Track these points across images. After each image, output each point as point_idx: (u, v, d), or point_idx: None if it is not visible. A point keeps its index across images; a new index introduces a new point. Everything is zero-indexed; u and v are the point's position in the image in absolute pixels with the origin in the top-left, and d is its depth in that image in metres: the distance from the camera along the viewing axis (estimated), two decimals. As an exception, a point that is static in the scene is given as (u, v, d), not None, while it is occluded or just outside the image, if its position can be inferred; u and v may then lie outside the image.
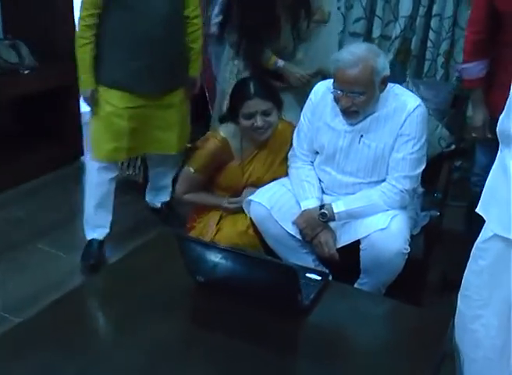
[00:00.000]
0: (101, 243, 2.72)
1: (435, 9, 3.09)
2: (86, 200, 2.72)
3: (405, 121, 2.06)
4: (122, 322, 1.66)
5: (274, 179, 2.34)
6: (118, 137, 2.57)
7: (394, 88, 2.11)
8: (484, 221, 2.58)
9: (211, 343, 1.59)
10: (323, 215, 2.10)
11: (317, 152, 2.28)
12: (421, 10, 3.12)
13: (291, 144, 2.34)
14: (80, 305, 1.74)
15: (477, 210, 1.61)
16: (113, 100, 2.52)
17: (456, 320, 1.71)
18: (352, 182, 2.18)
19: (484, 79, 2.32)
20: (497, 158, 1.59)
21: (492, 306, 1.56)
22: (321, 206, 2.13)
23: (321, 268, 2.25)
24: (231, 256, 1.72)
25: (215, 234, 2.30)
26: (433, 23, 3.11)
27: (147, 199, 3.09)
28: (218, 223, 2.33)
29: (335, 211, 2.09)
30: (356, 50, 2.01)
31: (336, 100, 2.07)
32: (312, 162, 2.30)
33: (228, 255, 1.73)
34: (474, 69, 2.29)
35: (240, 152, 2.34)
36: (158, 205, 3.06)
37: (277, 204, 2.20)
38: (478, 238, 1.57)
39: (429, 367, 1.60)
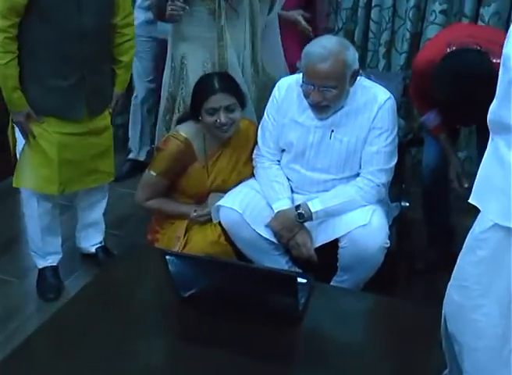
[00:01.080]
0: (55, 270, 2.44)
1: (375, 0, 3.10)
2: (29, 229, 2.41)
3: (377, 114, 2.03)
4: (107, 345, 1.53)
5: (240, 179, 2.25)
6: (48, 163, 2.21)
7: (361, 81, 2.07)
8: (443, 210, 2.66)
9: (206, 360, 1.49)
10: (300, 215, 2.03)
11: (283, 150, 2.21)
12: (362, 1, 3.12)
13: (255, 143, 2.26)
14: (62, 331, 1.58)
15: (470, 200, 1.61)
16: (41, 122, 2.19)
17: (448, 311, 1.70)
18: (324, 179, 2.13)
19: (443, 125, 2.36)
20: (488, 147, 1.58)
21: (493, 295, 1.55)
22: (297, 206, 2.06)
23: (294, 269, 2.20)
24: (223, 267, 1.63)
25: (184, 247, 2.18)
26: (373, 13, 3.12)
27: (77, 244, 2.62)
28: (185, 234, 2.21)
29: (312, 210, 2.02)
30: (327, 43, 1.95)
31: (306, 95, 2.01)
32: (279, 161, 2.22)
33: (220, 266, 1.64)
34: (430, 119, 2.33)
35: (204, 153, 2.23)
36: (93, 249, 2.57)
37: (248, 207, 2.11)
38: (475, 229, 1.56)
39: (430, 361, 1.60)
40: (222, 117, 2.11)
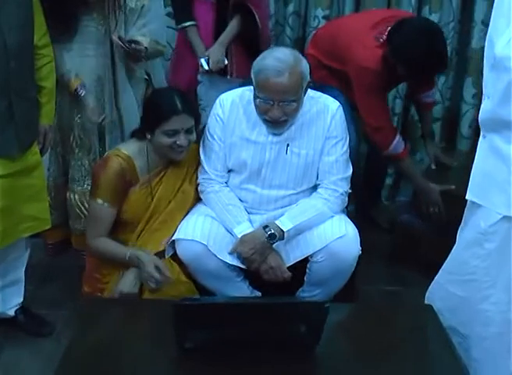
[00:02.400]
0: None
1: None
2: None
3: (331, 123, 2.00)
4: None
5: (184, 200, 2.08)
6: None
7: (308, 91, 2.03)
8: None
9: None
10: (272, 236, 1.93)
11: (229, 171, 2.09)
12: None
13: (198, 163, 2.11)
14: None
15: (468, 198, 1.66)
16: None
17: (447, 306, 1.75)
18: (282, 195, 2.05)
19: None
20: (481, 145, 1.65)
21: (500, 283, 1.63)
22: (265, 227, 1.95)
23: (255, 294, 2.10)
24: (244, 307, 1.48)
25: (141, 293, 1.95)
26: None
27: None
28: None
29: (284, 229, 1.93)
30: (281, 56, 1.86)
31: (263, 111, 1.91)
32: (227, 183, 2.10)
33: (240, 307, 1.48)
34: (398, 145, 2.51)
35: (147, 172, 2.02)
36: (12, 312, 2.21)
37: (211, 237, 1.96)
38: (479, 224, 1.61)
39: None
40: (183, 139, 1.93)
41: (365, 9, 2.97)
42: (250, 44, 2.68)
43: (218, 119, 2.04)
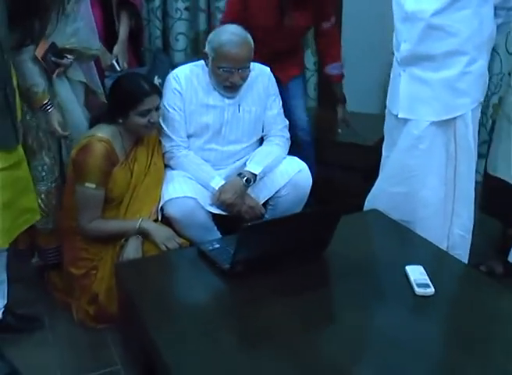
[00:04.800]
0: None
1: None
2: None
3: (268, 83, 2.44)
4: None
5: (157, 170, 2.33)
6: None
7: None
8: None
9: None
10: (248, 180, 2.30)
11: (189, 137, 2.39)
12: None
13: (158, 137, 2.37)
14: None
15: (400, 116, 2.24)
16: None
17: (392, 205, 2.27)
18: (239, 149, 2.43)
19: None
20: (403, 77, 2.21)
21: (433, 173, 2.20)
22: (239, 174, 2.31)
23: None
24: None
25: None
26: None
27: None
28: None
29: (256, 173, 2.31)
30: (236, 31, 2.24)
31: (224, 78, 2.26)
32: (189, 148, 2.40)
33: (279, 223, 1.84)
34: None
35: (123, 152, 2.24)
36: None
37: (197, 192, 2.27)
38: (411, 132, 2.19)
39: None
40: (155, 117, 2.18)
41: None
42: (134, 37, 2.95)
43: (176, 92, 2.33)
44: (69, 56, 2.21)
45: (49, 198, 2.35)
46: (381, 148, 2.44)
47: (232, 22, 2.36)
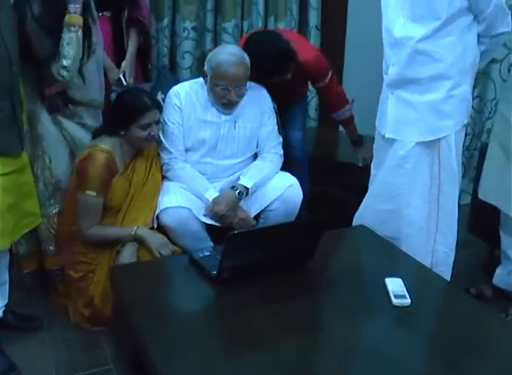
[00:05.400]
0: None
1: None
2: None
3: (265, 101, 2.56)
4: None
5: (154, 181, 2.44)
6: None
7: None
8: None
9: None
10: (240, 193, 2.41)
11: (187, 151, 2.51)
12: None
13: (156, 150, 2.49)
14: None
15: (386, 136, 2.34)
16: None
17: (378, 221, 2.36)
18: (233, 163, 2.55)
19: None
20: (390, 100, 2.34)
21: (417, 192, 2.30)
22: (232, 187, 2.42)
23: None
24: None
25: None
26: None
27: None
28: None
29: (248, 186, 2.42)
30: (233, 51, 2.38)
31: (221, 96, 2.39)
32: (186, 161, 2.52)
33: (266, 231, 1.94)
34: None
35: (123, 163, 2.36)
36: (0, 313, 2.28)
37: (191, 203, 2.38)
38: (397, 153, 2.29)
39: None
40: (155, 130, 2.31)
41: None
42: (142, 54, 3.09)
43: (176, 107, 2.46)
44: (71, 107, 2.35)
45: (52, 223, 2.45)
46: None
47: None
